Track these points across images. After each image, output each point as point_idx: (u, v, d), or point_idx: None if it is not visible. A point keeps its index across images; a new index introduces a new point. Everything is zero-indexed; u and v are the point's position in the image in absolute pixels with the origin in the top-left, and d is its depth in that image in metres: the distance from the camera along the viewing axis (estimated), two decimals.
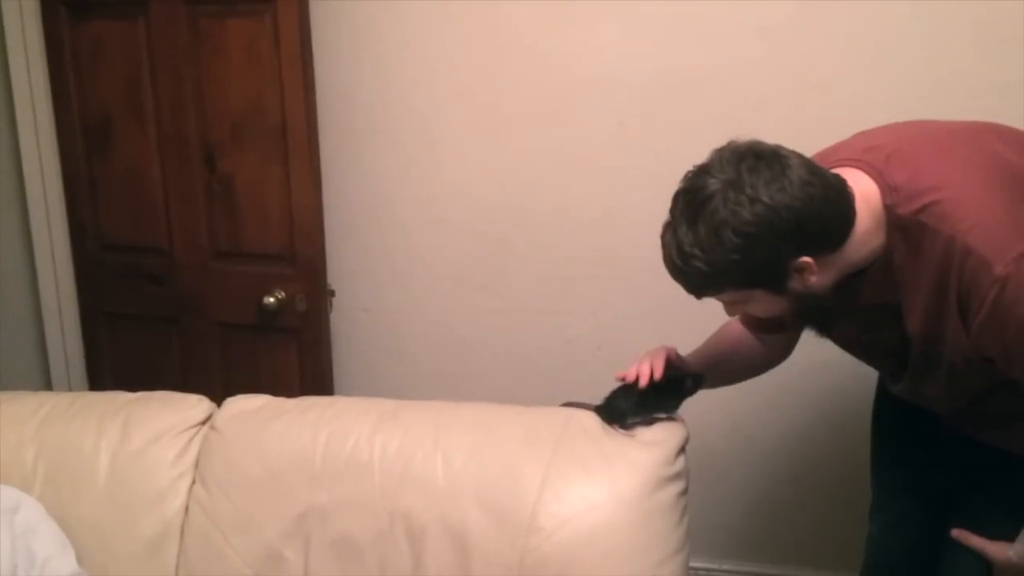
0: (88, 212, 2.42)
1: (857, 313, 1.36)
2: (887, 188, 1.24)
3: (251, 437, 1.52)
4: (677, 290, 2.21)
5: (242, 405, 1.59)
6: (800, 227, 1.18)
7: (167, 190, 2.32)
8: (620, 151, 2.18)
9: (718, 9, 2.03)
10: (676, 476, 1.39)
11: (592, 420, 1.47)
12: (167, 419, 1.57)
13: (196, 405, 1.61)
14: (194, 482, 1.52)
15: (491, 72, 2.22)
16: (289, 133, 2.18)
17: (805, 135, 1.40)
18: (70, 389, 2.55)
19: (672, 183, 2.13)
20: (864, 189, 1.25)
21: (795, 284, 1.25)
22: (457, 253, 2.37)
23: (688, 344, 2.23)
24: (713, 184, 1.19)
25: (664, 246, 1.27)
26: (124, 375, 2.46)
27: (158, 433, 1.55)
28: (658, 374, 1.49)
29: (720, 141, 1.23)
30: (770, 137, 1.24)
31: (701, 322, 2.20)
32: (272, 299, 2.27)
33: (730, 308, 1.39)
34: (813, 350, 1.55)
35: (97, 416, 1.57)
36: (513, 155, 2.26)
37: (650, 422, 1.46)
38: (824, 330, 1.42)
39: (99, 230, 2.43)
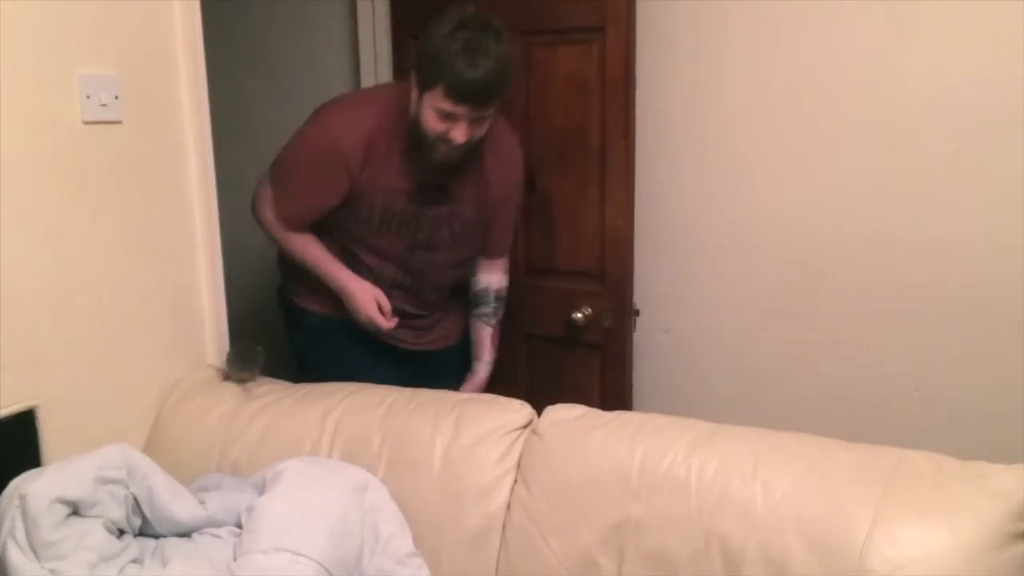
0: None
1: (423, 185, 1.99)
2: None
3: (571, 445, 1.59)
4: (1011, 330, 2.04)
5: (562, 414, 1.66)
6: None
7: None
8: (957, 178, 2.03)
9: None
10: None
11: (927, 462, 1.39)
12: (494, 420, 1.68)
13: (519, 410, 1.70)
14: (516, 482, 1.61)
15: (815, 95, 2.17)
16: (607, 155, 2.25)
17: None
18: None
19: (1017, 214, 1.98)
20: None
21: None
22: (765, 280, 2.33)
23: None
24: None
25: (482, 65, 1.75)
26: None
27: (486, 433, 1.65)
28: None
29: None
30: None
31: None
32: (580, 315, 2.35)
33: (472, 129, 1.84)
34: None
35: (433, 412, 1.71)
36: (833, 179, 2.19)
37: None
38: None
39: None
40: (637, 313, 2.42)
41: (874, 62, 2.08)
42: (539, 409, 1.71)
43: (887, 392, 2.20)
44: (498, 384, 2.51)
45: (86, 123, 1.69)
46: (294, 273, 2.15)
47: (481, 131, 1.87)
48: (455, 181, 2.00)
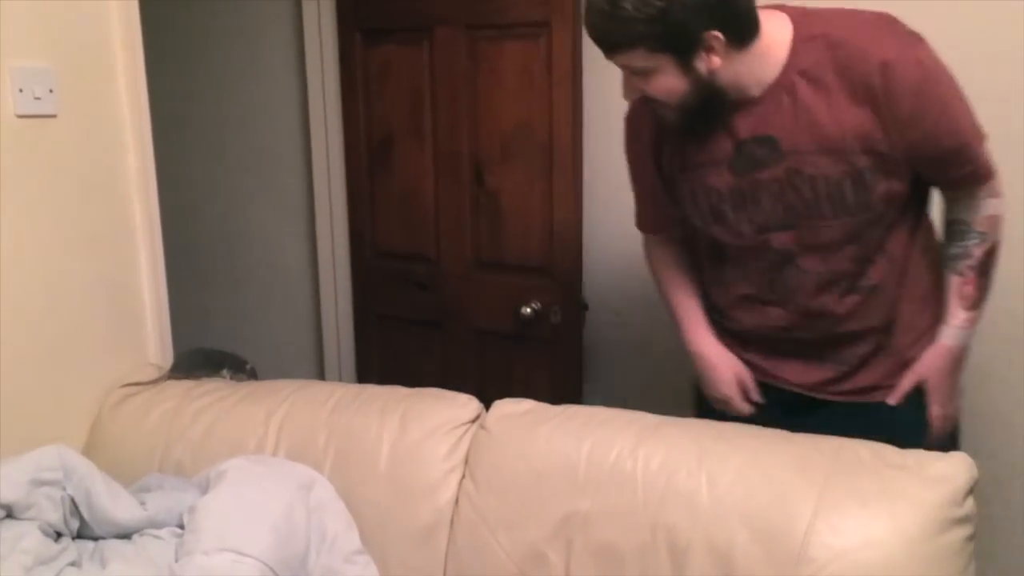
0: (367, 222, 2.63)
1: (740, 148, 1.52)
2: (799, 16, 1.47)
3: (519, 439, 1.58)
4: None
5: (510, 408, 1.66)
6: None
7: (438, 203, 2.48)
8: None
9: None
10: (963, 519, 1.31)
11: (867, 451, 1.41)
12: (441, 415, 1.66)
13: (466, 404, 1.70)
14: (463, 477, 1.60)
15: None
16: (555, 150, 2.26)
17: None
18: (340, 380, 2.79)
19: None
20: (781, 19, 1.47)
21: (700, 64, 1.41)
22: None
23: None
24: None
25: None
26: (389, 372, 2.65)
27: (433, 428, 1.64)
28: None
29: None
30: None
31: None
32: (528, 309, 2.36)
33: (631, 82, 1.48)
34: None
35: (379, 408, 1.69)
36: None
37: None
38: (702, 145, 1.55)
39: (375, 238, 2.64)
40: (586, 307, 2.43)
41: None
42: (488, 404, 1.70)
43: None
44: (447, 379, 2.51)
45: (19, 117, 1.65)
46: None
47: (650, 85, 1.46)
48: (787, 129, 1.48)
